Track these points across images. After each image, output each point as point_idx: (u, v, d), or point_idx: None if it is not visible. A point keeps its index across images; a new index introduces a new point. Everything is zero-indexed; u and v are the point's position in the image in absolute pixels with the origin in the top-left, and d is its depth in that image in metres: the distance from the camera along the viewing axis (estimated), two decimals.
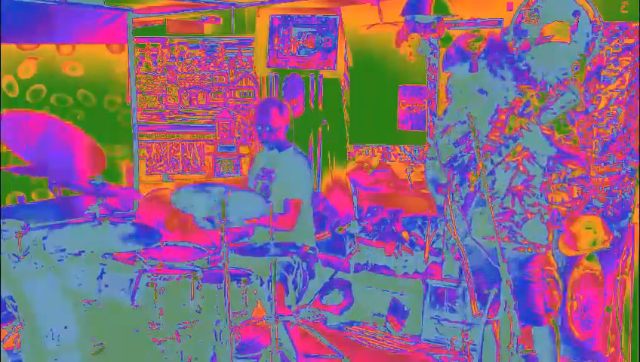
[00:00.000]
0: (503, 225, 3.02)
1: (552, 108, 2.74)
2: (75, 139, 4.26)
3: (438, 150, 3.14)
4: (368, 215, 5.10)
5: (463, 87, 3.05)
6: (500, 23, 4.58)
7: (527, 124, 2.79)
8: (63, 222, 4.56)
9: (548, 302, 3.02)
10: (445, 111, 3.26)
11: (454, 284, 4.10)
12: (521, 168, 2.99)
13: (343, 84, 5.67)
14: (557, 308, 3.08)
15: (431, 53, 4.98)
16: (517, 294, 2.88)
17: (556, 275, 3.06)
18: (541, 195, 3.03)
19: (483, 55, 2.95)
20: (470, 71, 2.98)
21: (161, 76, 5.90)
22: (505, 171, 2.99)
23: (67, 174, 3.91)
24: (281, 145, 4.12)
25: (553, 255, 3.11)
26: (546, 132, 2.80)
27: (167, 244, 3.74)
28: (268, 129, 4.02)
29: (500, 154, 2.89)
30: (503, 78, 2.98)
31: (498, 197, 3.01)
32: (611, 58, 3.99)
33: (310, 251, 3.96)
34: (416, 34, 4.53)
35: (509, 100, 3.01)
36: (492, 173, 2.98)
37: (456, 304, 4.12)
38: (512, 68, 2.99)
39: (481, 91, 3.00)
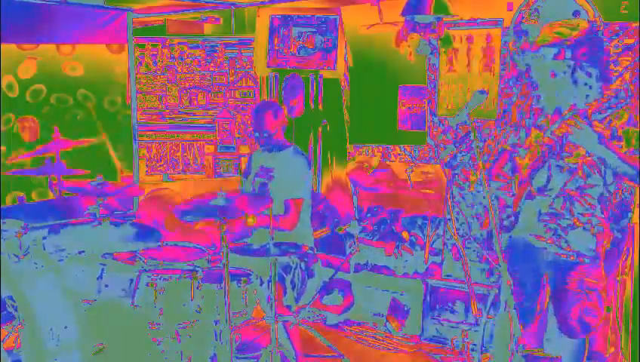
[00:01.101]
0: (549, 226, 2.95)
1: (604, 107, 2.71)
2: None
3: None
4: (368, 215, 5.10)
5: (542, 70, 2.95)
6: (500, 22, 4.58)
7: (577, 121, 2.72)
8: (62, 222, 4.56)
9: (585, 316, 2.92)
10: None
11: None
12: (579, 173, 2.90)
13: (343, 84, 5.67)
14: (597, 326, 2.98)
15: (431, 53, 4.98)
16: (554, 300, 2.86)
17: (602, 292, 2.96)
18: (596, 208, 2.93)
19: (574, 45, 2.85)
20: (554, 57, 2.88)
21: (161, 76, 5.90)
22: (562, 171, 2.91)
23: None
24: (281, 146, 4.12)
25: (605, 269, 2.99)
26: (597, 129, 2.73)
27: (167, 244, 3.74)
28: (265, 134, 4.04)
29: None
30: (588, 74, 2.87)
31: (549, 196, 2.93)
32: (611, 58, 3.99)
33: (309, 251, 3.96)
34: (416, 34, 4.53)
35: (590, 101, 2.90)
36: (548, 168, 2.89)
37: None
38: (601, 67, 2.88)
39: (482, 92, 2.98)
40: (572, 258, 2.93)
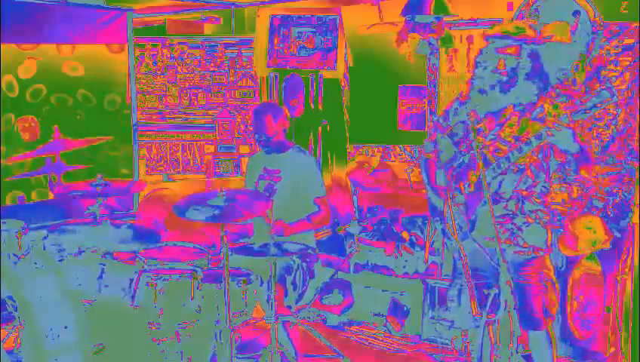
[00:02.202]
0: (506, 228, 3.00)
1: (586, 106, 2.73)
2: None
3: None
4: (368, 215, 5.10)
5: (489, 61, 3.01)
6: (500, 23, 4.58)
7: (559, 122, 2.76)
8: (62, 222, 4.57)
9: (547, 305, 3.00)
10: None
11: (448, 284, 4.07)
12: (528, 172, 2.97)
13: (343, 84, 5.67)
14: (555, 313, 3.06)
15: (431, 53, 4.98)
16: (517, 297, 2.88)
17: (553, 278, 3.05)
18: (542, 202, 3.02)
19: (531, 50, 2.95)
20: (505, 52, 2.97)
21: (161, 76, 5.90)
22: (513, 173, 2.98)
23: None
24: (283, 147, 4.12)
25: (551, 257, 3.10)
26: (572, 127, 2.78)
27: (167, 244, 3.74)
28: (264, 137, 4.03)
29: (519, 151, 2.87)
30: (530, 78, 2.97)
31: (504, 199, 2.99)
32: (611, 58, 3.99)
33: (310, 251, 3.95)
34: (415, 34, 4.53)
35: (533, 101, 2.97)
36: (504, 172, 2.95)
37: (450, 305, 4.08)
38: (544, 78, 2.99)
39: (481, 91, 2.99)
40: (529, 253, 3.00)
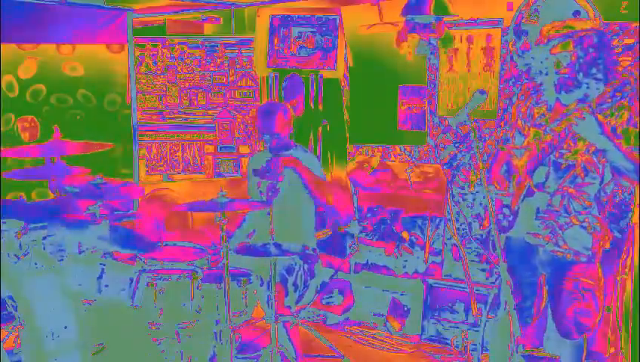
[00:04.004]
0: (547, 223, 2.94)
1: (607, 95, 2.71)
2: None
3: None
4: (368, 215, 5.10)
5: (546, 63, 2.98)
6: (499, 22, 4.58)
7: (581, 112, 2.72)
8: (62, 222, 4.56)
9: (579, 316, 2.92)
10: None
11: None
12: (578, 170, 2.89)
13: (343, 84, 5.67)
14: (591, 326, 2.97)
15: (431, 53, 4.98)
16: (551, 300, 2.85)
17: (597, 292, 2.95)
18: (593, 207, 2.92)
19: (582, 41, 2.90)
20: (562, 49, 2.92)
21: (161, 76, 5.90)
22: (561, 168, 2.90)
23: None
24: (286, 146, 4.10)
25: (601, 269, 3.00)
26: (600, 119, 2.72)
27: (167, 244, 3.74)
28: (276, 136, 3.99)
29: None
30: (590, 74, 2.90)
31: (547, 193, 2.93)
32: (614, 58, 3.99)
33: (311, 252, 3.95)
34: (415, 34, 4.53)
35: (589, 99, 2.90)
36: (547, 164, 2.89)
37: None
38: (604, 70, 2.90)
39: (481, 92, 2.98)
40: (568, 256, 2.92)
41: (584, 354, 3.01)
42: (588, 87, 2.88)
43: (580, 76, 2.87)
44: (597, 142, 2.78)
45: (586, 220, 2.92)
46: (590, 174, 2.90)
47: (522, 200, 2.91)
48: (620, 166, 2.79)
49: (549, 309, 2.69)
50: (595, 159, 2.87)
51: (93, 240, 3.42)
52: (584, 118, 2.70)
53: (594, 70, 2.87)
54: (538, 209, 2.89)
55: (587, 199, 2.91)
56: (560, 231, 2.92)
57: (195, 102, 5.93)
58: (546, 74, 2.97)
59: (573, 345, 3.00)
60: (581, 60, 2.87)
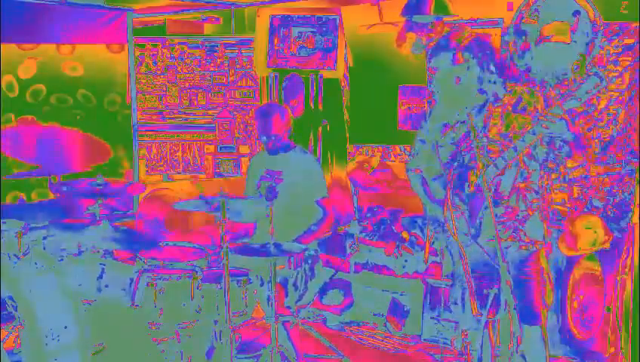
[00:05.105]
0: (508, 225, 2.98)
1: (577, 95, 2.71)
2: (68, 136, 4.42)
3: (438, 154, 3.10)
4: (368, 215, 5.10)
5: (446, 80, 3.00)
6: (499, 22, 4.58)
7: (552, 113, 2.74)
8: (62, 222, 4.56)
9: (545, 298, 2.99)
10: (430, 113, 3.23)
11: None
12: (521, 165, 2.95)
13: (343, 84, 5.67)
14: (550, 302, 3.03)
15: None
16: (516, 293, 2.86)
17: (547, 270, 3.03)
18: (538, 191, 3.00)
19: (469, 47, 2.92)
20: (453, 62, 2.94)
21: (161, 76, 5.90)
22: (508, 169, 2.94)
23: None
24: (286, 147, 4.10)
25: (546, 251, 3.07)
26: (564, 117, 2.75)
27: (167, 244, 3.74)
28: (274, 138, 4.00)
29: (515, 150, 2.84)
30: (491, 71, 2.94)
31: (504, 198, 2.96)
32: (611, 58, 3.99)
33: (312, 253, 3.96)
34: (412, 33, 4.53)
35: (500, 97, 2.98)
36: (502, 172, 2.92)
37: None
38: (497, 64, 2.96)
39: (481, 91, 2.99)
40: (531, 247, 2.98)
41: (545, 338, 3.04)
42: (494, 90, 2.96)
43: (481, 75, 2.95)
44: (567, 137, 2.83)
45: (538, 207, 2.98)
46: (529, 163, 2.96)
47: (482, 211, 2.93)
48: (576, 158, 2.92)
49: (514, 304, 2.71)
50: (530, 148, 2.92)
51: (98, 241, 3.42)
52: (554, 122, 2.74)
53: (489, 73, 2.95)
54: (496, 214, 2.92)
55: (533, 187, 2.97)
56: (521, 227, 2.97)
57: (195, 102, 5.93)
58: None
59: (537, 333, 3.02)
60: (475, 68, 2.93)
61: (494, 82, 2.96)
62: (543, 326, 3.04)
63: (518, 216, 2.98)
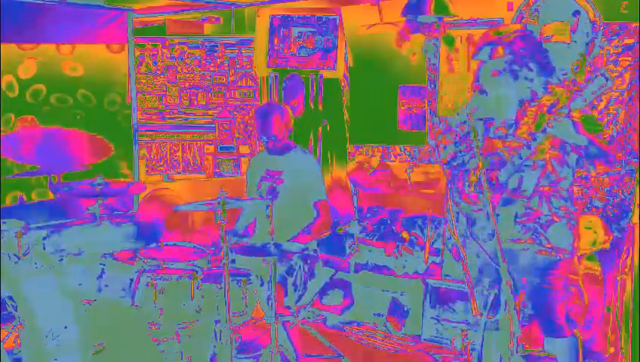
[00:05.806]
0: (527, 227, 2.93)
1: (583, 95, 2.68)
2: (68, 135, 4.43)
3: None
4: (368, 215, 5.10)
5: (485, 73, 2.96)
6: (499, 22, 4.58)
7: (556, 115, 2.72)
8: (62, 222, 4.57)
9: (570, 312, 2.91)
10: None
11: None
12: (549, 168, 2.88)
13: (343, 84, 5.67)
14: (580, 321, 2.97)
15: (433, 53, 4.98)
16: (537, 301, 2.84)
17: (581, 285, 2.96)
18: (569, 199, 2.93)
19: (511, 42, 2.89)
20: (490, 56, 2.91)
21: (161, 76, 5.90)
22: (532, 169, 2.88)
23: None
24: (286, 148, 4.10)
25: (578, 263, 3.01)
26: (574, 118, 2.73)
27: (167, 244, 3.74)
28: (274, 138, 3.99)
29: (528, 148, 2.81)
30: (530, 69, 2.89)
31: (525, 197, 2.90)
32: (611, 58, 3.99)
33: (312, 252, 3.96)
34: (419, 34, 4.53)
35: (539, 96, 2.92)
36: (520, 169, 2.87)
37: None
38: (540, 62, 2.90)
39: (482, 92, 2.98)
40: (553, 254, 2.91)
41: (580, 350, 3.00)
42: (530, 87, 2.91)
43: (516, 71, 2.90)
44: (576, 141, 2.80)
45: (566, 215, 2.92)
46: (561, 169, 2.90)
47: (500, 208, 2.89)
48: (595, 155, 2.84)
49: (533, 311, 2.68)
50: (562, 153, 2.88)
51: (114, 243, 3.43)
52: (561, 121, 2.71)
53: (527, 70, 2.89)
54: (517, 214, 2.88)
55: (563, 194, 2.91)
56: (542, 230, 2.91)
57: (195, 102, 5.93)
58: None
59: (569, 343, 2.98)
60: (512, 63, 2.89)
61: (531, 79, 2.91)
62: (578, 336, 2.96)
63: (540, 218, 2.92)
